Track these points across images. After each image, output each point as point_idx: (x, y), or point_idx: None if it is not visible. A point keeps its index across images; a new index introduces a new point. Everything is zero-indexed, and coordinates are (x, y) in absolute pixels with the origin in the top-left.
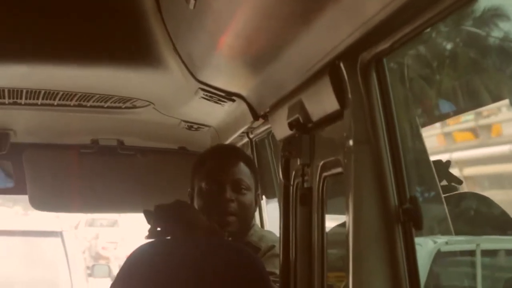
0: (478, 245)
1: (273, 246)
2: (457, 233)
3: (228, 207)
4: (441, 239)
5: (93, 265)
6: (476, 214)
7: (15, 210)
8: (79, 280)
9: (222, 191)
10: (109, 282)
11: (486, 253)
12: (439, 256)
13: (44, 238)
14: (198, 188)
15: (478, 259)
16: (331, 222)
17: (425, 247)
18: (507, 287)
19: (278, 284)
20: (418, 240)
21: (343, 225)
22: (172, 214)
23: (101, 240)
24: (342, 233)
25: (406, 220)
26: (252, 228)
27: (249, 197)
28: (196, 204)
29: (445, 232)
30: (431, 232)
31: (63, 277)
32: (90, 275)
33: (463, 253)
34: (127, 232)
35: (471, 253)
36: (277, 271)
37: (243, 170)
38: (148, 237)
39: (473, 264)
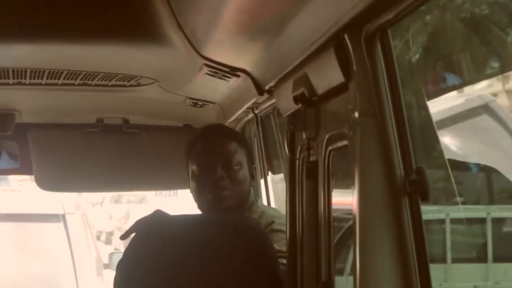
0: (447, 214)
1: (272, 222)
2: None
3: (221, 184)
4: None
5: (111, 253)
6: None
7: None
8: (87, 275)
9: (212, 171)
10: None
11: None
12: None
13: (42, 224)
14: (191, 171)
15: (448, 226)
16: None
17: None
18: None
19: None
20: None
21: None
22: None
23: (132, 219)
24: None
25: (413, 191)
26: (254, 205)
27: (242, 172)
28: (191, 187)
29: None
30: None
31: (66, 272)
32: (107, 266)
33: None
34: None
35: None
36: (276, 246)
37: (231, 148)
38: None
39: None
